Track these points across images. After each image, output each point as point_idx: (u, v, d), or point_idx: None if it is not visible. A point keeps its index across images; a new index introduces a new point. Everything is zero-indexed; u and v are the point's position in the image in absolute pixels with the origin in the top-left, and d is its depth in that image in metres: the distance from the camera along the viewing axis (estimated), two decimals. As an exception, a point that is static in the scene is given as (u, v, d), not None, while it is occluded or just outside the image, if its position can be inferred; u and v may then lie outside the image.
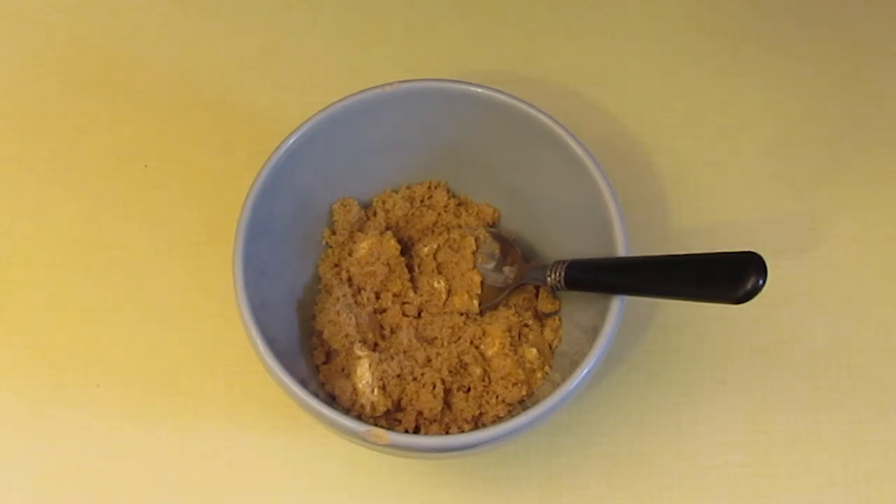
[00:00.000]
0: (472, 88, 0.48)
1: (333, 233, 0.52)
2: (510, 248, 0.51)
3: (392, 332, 0.50)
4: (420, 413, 0.47)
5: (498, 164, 0.51)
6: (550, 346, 0.50)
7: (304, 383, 0.42)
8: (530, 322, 0.50)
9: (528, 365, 0.49)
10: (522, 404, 0.48)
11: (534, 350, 0.49)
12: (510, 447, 0.51)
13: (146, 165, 0.57)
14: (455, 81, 0.49)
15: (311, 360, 0.49)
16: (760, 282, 0.35)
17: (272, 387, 0.43)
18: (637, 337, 0.54)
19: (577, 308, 0.50)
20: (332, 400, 0.47)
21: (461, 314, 0.51)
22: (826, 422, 0.52)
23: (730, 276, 0.36)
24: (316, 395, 0.42)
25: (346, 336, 0.49)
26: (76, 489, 0.50)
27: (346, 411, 0.46)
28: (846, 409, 0.53)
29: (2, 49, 0.60)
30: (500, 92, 0.48)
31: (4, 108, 0.59)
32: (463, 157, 0.52)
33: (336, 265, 0.51)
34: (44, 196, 0.56)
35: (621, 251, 0.45)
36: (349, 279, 0.51)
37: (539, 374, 0.49)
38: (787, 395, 0.53)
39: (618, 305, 0.44)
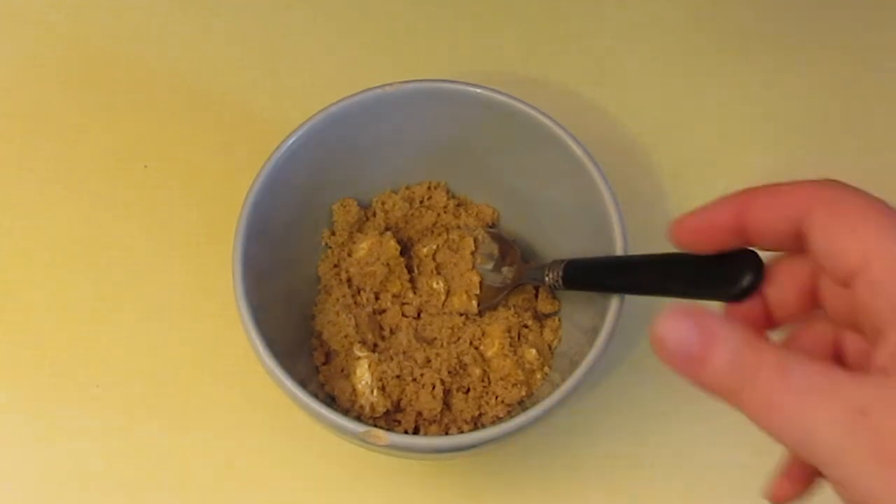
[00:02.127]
0: (472, 89, 0.48)
1: (333, 233, 0.52)
2: (509, 249, 0.51)
3: (391, 332, 0.50)
4: (419, 414, 0.47)
5: (497, 164, 0.51)
6: (550, 347, 0.50)
7: (303, 384, 0.42)
8: (530, 322, 0.50)
9: (527, 366, 0.49)
10: (522, 405, 0.48)
11: (533, 350, 0.49)
12: (510, 447, 0.51)
13: (146, 165, 0.57)
14: (455, 82, 0.49)
15: (311, 361, 0.49)
16: (757, 279, 0.35)
17: (272, 387, 0.43)
18: (637, 337, 0.54)
19: (576, 308, 0.49)
20: (331, 401, 0.47)
21: (460, 315, 0.51)
22: (826, 422, 0.52)
23: (726, 274, 0.36)
24: (315, 395, 0.42)
25: (346, 337, 0.49)
26: (76, 489, 0.50)
27: (346, 412, 0.46)
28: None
29: (2, 49, 0.60)
30: (499, 92, 0.48)
31: (4, 108, 0.59)
32: (462, 158, 0.52)
33: (336, 265, 0.51)
34: (44, 196, 0.56)
35: (620, 251, 0.45)
36: (348, 280, 0.51)
37: (539, 375, 0.49)
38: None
39: (617, 305, 0.44)
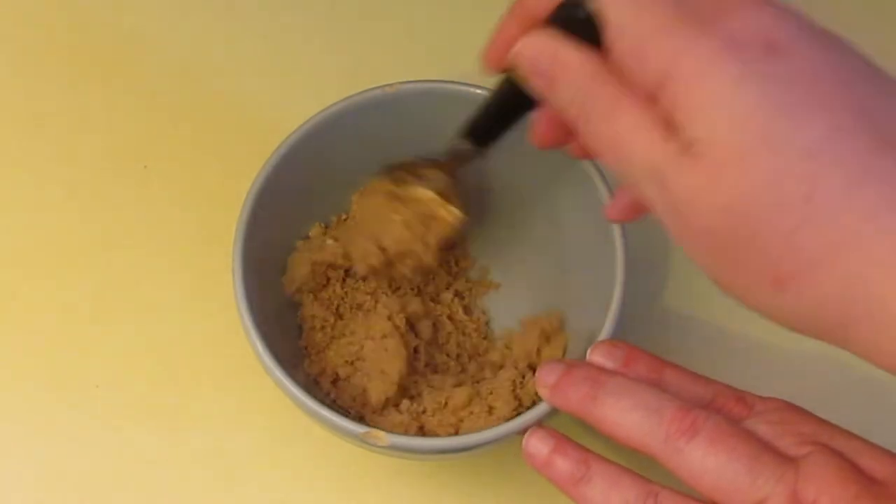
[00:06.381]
0: (473, 89, 0.48)
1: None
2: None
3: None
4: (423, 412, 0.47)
5: (496, 162, 0.51)
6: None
7: (302, 384, 0.43)
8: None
9: (529, 366, 0.49)
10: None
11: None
12: (510, 447, 0.51)
13: (146, 166, 0.57)
14: (455, 82, 0.49)
15: (310, 361, 0.49)
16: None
17: (271, 387, 0.43)
18: (636, 339, 0.53)
19: (577, 309, 0.50)
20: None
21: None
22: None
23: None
24: (314, 395, 0.42)
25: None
26: (76, 489, 0.50)
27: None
28: (846, 408, 0.52)
29: (2, 49, 0.60)
30: (499, 92, 0.48)
31: (4, 108, 0.59)
32: (462, 158, 0.52)
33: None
34: (43, 196, 0.56)
35: (619, 251, 0.45)
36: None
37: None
38: (788, 396, 0.52)
39: (618, 307, 0.44)
